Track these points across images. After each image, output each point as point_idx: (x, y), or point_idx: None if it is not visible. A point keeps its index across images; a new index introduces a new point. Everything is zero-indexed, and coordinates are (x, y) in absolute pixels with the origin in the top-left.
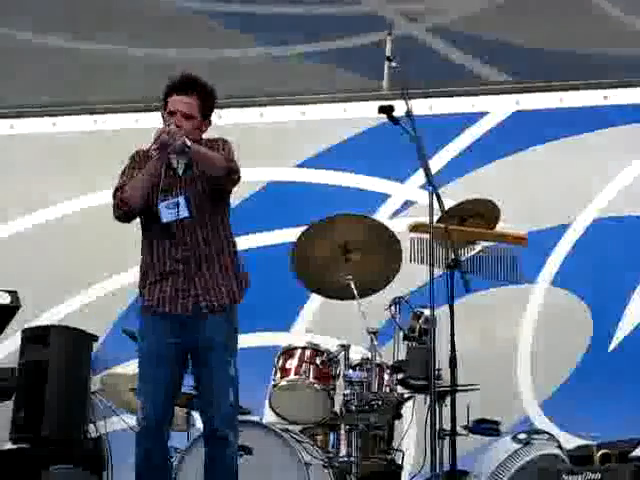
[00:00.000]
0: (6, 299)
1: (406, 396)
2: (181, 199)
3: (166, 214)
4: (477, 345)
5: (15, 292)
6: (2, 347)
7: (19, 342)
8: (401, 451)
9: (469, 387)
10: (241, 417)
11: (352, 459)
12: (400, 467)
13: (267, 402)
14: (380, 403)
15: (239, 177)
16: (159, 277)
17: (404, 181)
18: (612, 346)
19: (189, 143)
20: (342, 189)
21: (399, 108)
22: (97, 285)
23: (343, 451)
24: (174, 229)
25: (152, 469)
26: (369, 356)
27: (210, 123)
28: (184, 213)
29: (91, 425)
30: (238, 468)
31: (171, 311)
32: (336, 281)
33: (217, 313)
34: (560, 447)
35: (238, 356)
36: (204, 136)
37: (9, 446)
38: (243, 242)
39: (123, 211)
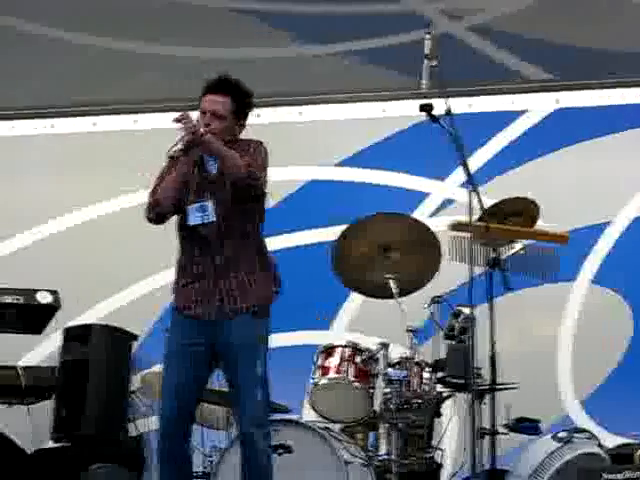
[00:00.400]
0: (47, 298)
1: (445, 395)
2: (209, 202)
3: (193, 217)
4: (517, 344)
5: (56, 291)
6: (43, 346)
7: (60, 341)
8: (441, 450)
9: (509, 386)
10: (281, 416)
11: (392, 458)
12: (440, 466)
13: (307, 401)
14: (420, 402)
15: (261, 185)
16: (189, 279)
17: (444, 179)
18: None
19: (202, 131)
20: (382, 188)
21: (438, 106)
22: (138, 284)
23: (383, 450)
24: (203, 232)
25: (170, 468)
26: (409, 355)
27: (244, 126)
28: (211, 217)
29: (131, 424)
30: (272, 467)
31: (197, 314)
32: (376, 280)
33: (244, 315)
34: (600, 446)
35: (279, 354)
36: (252, 133)
37: (50, 445)
38: (283, 241)
39: (154, 213)
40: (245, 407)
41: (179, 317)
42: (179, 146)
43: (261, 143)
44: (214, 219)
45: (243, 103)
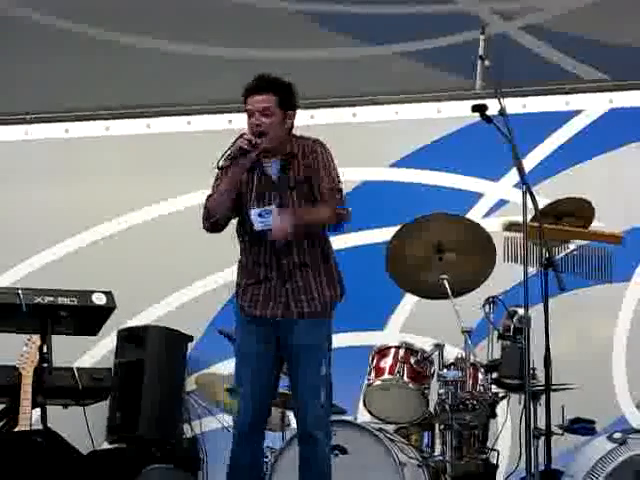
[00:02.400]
0: (102, 300)
1: (500, 395)
2: (274, 208)
3: (257, 222)
4: (572, 344)
5: (111, 293)
6: (98, 347)
7: (115, 342)
8: (496, 450)
9: (564, 386)
10: (336, 417)
11: (447, 458)
12: (495, 466)
13: (362, 402)
14: (475, 402)
15: (348, 214)
16: (253, 281)
17: (498, 180)
18: None
19: (253, 139)
20: (436, 188)
21: (492, 107)
22: (193, 285)
23: (437, 450)
24: (267, 236)
25: (241, 470)
26: (463, 355)
27: (294, 114)
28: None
29: (186, 425)
30: (331, 468)
31: (263, 315)
32: (430, 280)
33: (309, 317)
34: None
35: (333, 356)
36: (298, 132)
37: (106, 446)
38: (338, 242)
39: (209, 223)
40: (308, 408)
41: (245, 319)
42: (226, 155)
43: (325, 147)
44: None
45: (286, 95)
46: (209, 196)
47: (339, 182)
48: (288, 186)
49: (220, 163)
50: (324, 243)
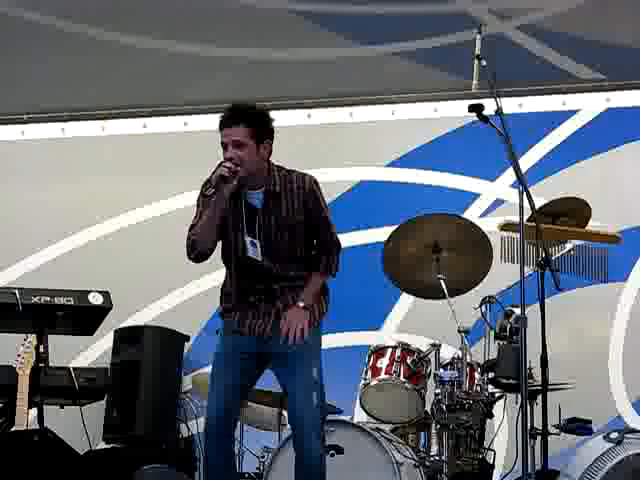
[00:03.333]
0: (98, 300)
1: (497, 395)
2: (257, 241)
3: (252, 250)
4: (568, 344)
5: (107, 293)
6: (95, 347)
7: (112, 342)
8: (492, 450)
9: (560, 386)
10: (332, 416)
11: (443, 458)
12: (491, 466)
13: (358, 401)
14: (471, 402)
15: (338, 261)
16: (240, 305)
17: (494, 180)
18: None
19: (229, 166)
20: (432, 188)
21: (489, 106)
22: (189, 285)
23: (434, 450)
24: (250, 265)
25: (213, 470)
26: (460, 355)
27: (270, 144)
28: (258, 257)
29: (183, 425)
30: (325, 469)
31: (251, 334)
32: (426, 280)
33: (296, 341)
34: None
35: (330, 355)
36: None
37: (102, 445)
38: None
39: (195, 254)
40: (301, 412)
41: (229, 335)
42: (210, 184)
43: (319, 187)
44: (260, 259)
45: (260, 126)
46: (191, 227)
47: (331, 222)
48: (270, 216)
49: (208, 192)
50: (310, 257)
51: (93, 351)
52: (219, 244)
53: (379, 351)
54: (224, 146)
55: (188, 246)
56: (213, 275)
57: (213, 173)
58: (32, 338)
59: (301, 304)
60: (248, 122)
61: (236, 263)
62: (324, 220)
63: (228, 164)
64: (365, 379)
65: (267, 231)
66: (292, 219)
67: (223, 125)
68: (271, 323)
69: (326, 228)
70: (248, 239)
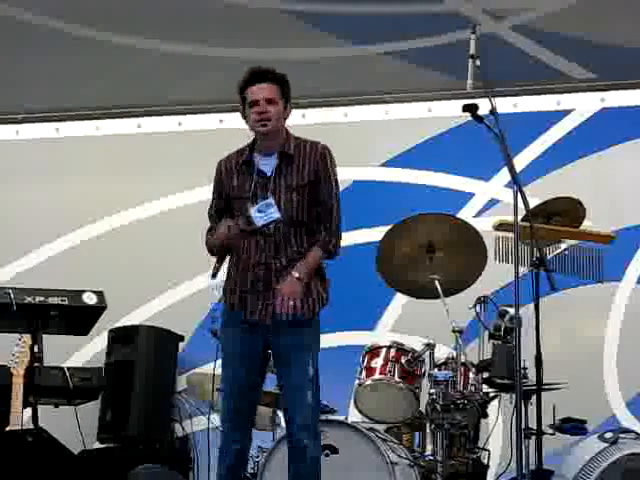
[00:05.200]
0: (93, 299)
1: (492, 395)
2: (272, 200)
3: (258, 218)
4: (563, 344)
5: (101, 292)
6: (89, 347)
7: (106, 342)
8: (487, 450)
9: (555, 386)
10: (327, 416)
11: (438, 458)
12: (486, 466)
13: (352, 401)
14: (466, 402)
15: (339, 241)
16: (241, 284)
17: (488, 180)
18: None
19: (298, 303)
20: (426, 188)
21: (483, 106)
22: (183, 285)
23: (429, 450)
24: (260, 236)
25: (227, 470)
26: (454, 355)
27: (291, 110)
28: (276, 214)
29: (177, 425)
30: (320, 468)
31: (251, 318)
32: (421, 280)
33: (299, 319)
34: None
35: (324, 355)
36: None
37: (96, 445)
38: None
39: (212, 254)
40: (295, 409)
41: (231, 319)
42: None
43: (332, 155)
44: (279, 215)
45: (286, 87)
46: (209, 231)
47: (338, 197)
48: (281, 186)
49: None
50: (313, 241)
51: (87, 351)
52: None
53: (373, 351)
54: (254, 102)
55: (206, 242)
56: (207, 275)
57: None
58: (26, 338)
59: (295, 274)
60: (278, 81)
61: (243, 236)
62: (330, 184)
63: (233, 231)
64: (359, 379)
65: (277, 194)
66: (302, 181)
67: (253, 81)
68: (271, 311)
69: (330, 191)
70: (255, 207)
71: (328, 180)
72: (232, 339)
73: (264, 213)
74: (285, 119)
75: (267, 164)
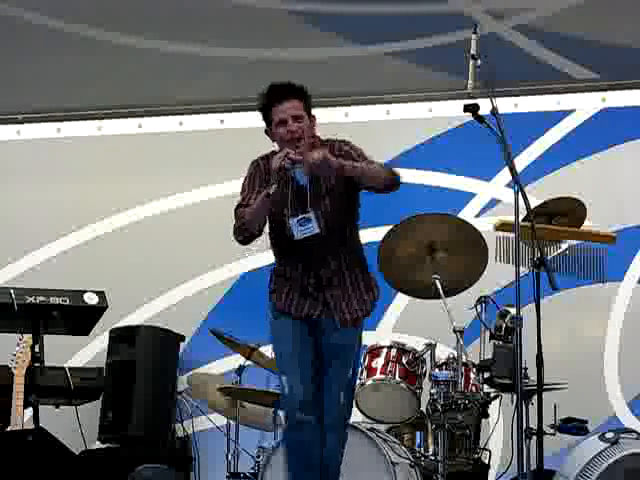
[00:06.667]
0: (94, 299)
1: (492, 395)
2: (312, 214)
3: (297, 230)
4: (564, 344)
5: (103, 292)
6: (90, 347)
7: (107, 342)
8: (488, 450)
9: (556, 386)
10: None
11: (439, 458)
12: (487, 466)
13: (353, 401)
14: (466, 402)
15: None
16: (289, 288)
17: (489, 180)
18: None
19: (293, 156)
20: (427, 188)
21: (484, 106)
22: (184, 285)
23: (430, 450)
24: (304, 245)
25: (309, 464)
26: (455, 355)
27: (315, 119)
28: (315, 229)
29: (178, 425)
30: (340, 469)
31: (301, 316)
32: (422, 280)
33: (347, 324)
34: None
35: None
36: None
37: (97, 445)
38: None
39: (244, 236)
40: (328, 407)
41: (280, 320)
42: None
43: (352, 144)
44: (318, 231)
45: (309, 100)
46: (237, 207)
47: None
48: (321, 194)
49: (271, 190)
50: (359, 250)
51: (88, 351)
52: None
53: (374, 351)
54: (282, 121)
55: (236, 230)
56: (209, 275)
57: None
58: (27, 338)
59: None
60: (300, 96)
61: (285, 245)
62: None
63: (292, 155)
64: (360, 379)
65: (317, 202)
66: (338, 181)
67: (277, 100)
68: (320, 310)
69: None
70: (295, 219)
71: (361, 155)
72: (284, 337)
73: (304, 227)
74: (313, 128)
75: (299, 174)
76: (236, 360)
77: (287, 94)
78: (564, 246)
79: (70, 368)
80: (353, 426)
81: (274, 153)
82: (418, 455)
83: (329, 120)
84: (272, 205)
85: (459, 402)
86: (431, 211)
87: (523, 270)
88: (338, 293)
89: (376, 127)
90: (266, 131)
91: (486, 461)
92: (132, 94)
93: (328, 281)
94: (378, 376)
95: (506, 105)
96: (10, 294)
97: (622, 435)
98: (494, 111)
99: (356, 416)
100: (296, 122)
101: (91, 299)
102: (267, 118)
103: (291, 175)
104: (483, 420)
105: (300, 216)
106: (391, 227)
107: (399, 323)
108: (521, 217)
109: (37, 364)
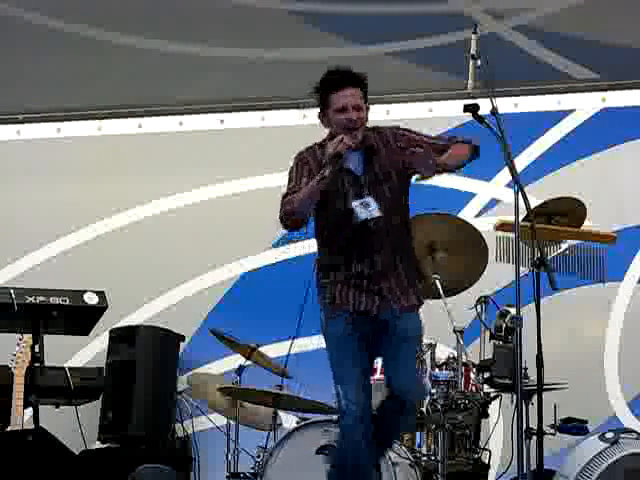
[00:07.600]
0: (94, 299)
1: (492, 395)
2: (370, 199)
3: (360, 212)
4: (564, 344)
5: (103, 292)
6: (90, 347)
7: (107, 342)
8: (488, 450)
9: (556, 386)
10: (328, 416)
11: (439, 458)
12: (487, 466)
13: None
14: (466, 402)
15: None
16: (343, 278)
17: (490, 180)
18: None
19: (347, 142)
20: (427, 188)
21: (484, 106)
22: (184, 285)
23: (430, 450)
24: (360, 233)
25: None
26: (455, 355)
27: (369, 109)
28: (377, 212)
29: (178, 425)
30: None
31: (358, 310)
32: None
33: (406, 312)
34: None
35: (324, 355)
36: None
37: (97, 445)
38: None
39: (292, 221)
40: (405, 389)
41: (337, 312)
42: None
43: (402, 128)
44: (380, 214)
45: (366, 89)
46: (285, 195)
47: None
48: (377, 181)
49: (326, 173)
50: (411, 240)
51: (88, 351)
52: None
53: None
54: (342, 108)
55: (282, 216)
56: (209, 275)
57: (319, 148)
58: (27, 338)
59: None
60: (360, 85)
61: (336, 232)
62: (421, 137)
63: (347, 141)
64: None
65: (374, 188)
66: (393, 164)
67: (340, 86)
68: (376, 306)
69: (427, 138)
70: (357, 202)
71: (417, 134)
72: (342, 334)
73: (366, 210)
74: (367, 120)
75: (351, 160)
76: (236, 360)
77: (349, 81)
78: (564, 246)
79: (70, 368)
80: None
81: (321, 146)
82: (418, 455)
83: None
84: (325, 195)
85: (459, 402)
86: (431, 211)
87: (523, 270)
88: (393, 285)
89: None
90: (320, 114)
91: (486, 461)
92: (132, 94)
93: (383, 271)
94: (378, 376)
95: (506, 105)
96: (10, 294)
97: (622, 435)
98: (494, 111)
99: None
100: (356, 111)
101: (91, 299)
102: (324, 102)
103: (343, 165)
104: (483, 420)
105: (360, 200)
106: None
107: None
108: (521, 217)
109: (37, 364)
